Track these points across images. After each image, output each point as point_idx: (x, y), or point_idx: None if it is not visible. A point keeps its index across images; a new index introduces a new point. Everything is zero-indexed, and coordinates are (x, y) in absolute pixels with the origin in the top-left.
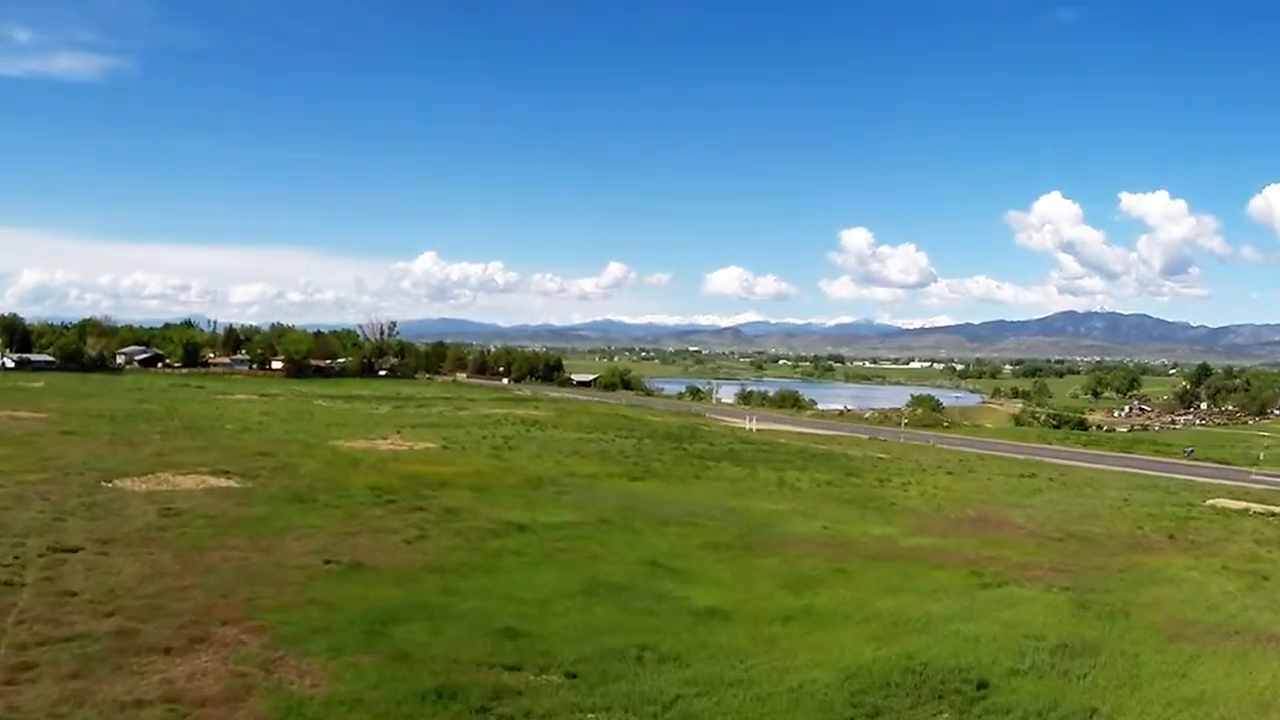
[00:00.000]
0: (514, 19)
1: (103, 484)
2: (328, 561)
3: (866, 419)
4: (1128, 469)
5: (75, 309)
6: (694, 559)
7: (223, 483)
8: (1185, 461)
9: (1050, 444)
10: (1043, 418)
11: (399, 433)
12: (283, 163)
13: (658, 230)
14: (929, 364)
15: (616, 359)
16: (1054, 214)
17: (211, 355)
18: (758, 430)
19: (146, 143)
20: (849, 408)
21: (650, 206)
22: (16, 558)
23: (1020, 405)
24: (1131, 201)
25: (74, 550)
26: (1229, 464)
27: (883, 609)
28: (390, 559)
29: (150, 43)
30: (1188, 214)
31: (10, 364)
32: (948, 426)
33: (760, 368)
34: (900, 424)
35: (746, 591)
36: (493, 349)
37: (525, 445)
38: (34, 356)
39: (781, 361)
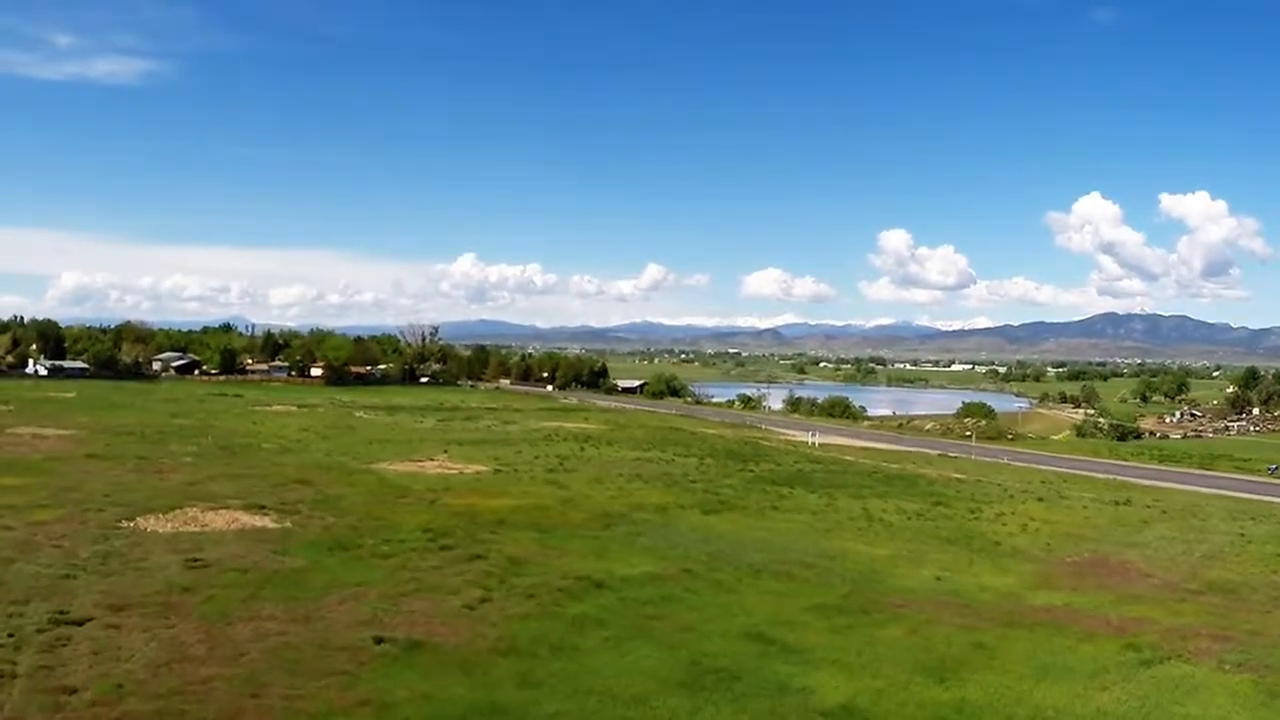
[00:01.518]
0: (551, 21)
1: (123, 524)
2: (379, 640)
3: (928, 430)
4: (1220, 490)
5: (115, 311)
6: (805, 628)
7: (257, 521)
8: (1272, 481)
9: (1125, 460)
10: (1105, 428)
11: (446, 452)
12: (321, 165)
13: (696, 232)
14: (970, 366)
15: (656, 361)
16: (1094, 215)
17: (249, 361)
18: (820, 445)
19: (186, 146)
20: (904, 416)
21: (688, 208)
22: (12, 635)
23: (1080, 414)
24: (1171, 202)
25: (81, 622)
26: None
27: (1045, 703)
28: (453, 634)
29: (189, 46)
30: (1228, 215)
31: (44, 371)
32: (1013, 439)
33: (801, 371)
34: (964, 436)
35: (879, 678)
36: (531, 351)
37: (582, 467)
38: (67, 364)
39: (822, 364)
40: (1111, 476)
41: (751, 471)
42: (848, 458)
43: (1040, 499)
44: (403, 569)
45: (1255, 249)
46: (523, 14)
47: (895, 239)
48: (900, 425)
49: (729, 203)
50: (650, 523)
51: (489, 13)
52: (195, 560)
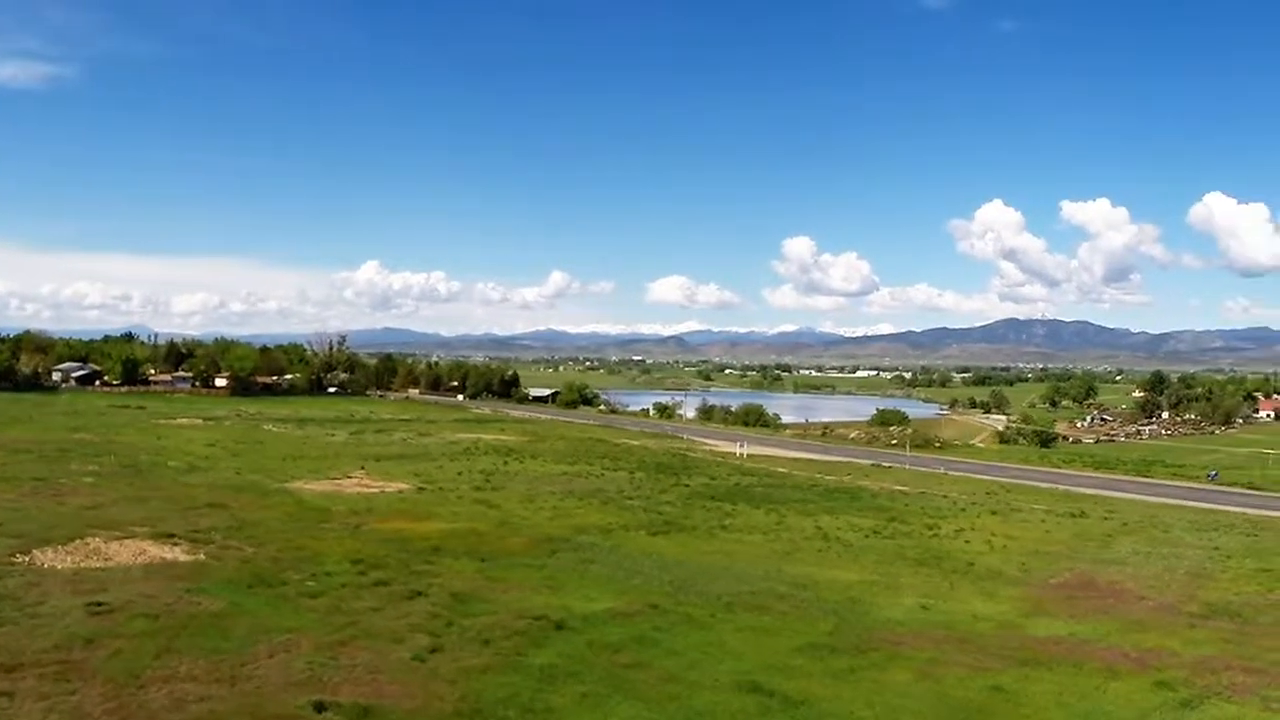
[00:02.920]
0: (458, 29)
1: (17, 559)
2: (320, 707)
3: (853, 439)
4: (1168, 500)
5: (15, 320)
6: (802, 674)
7: (166, 553)
8: (1214, 488)
9: (1058, 467)
10: (1028, 434)
11: (363, 468)
12: (225, 171)
13: (600, 239)
14: (875, 372)
15: (561, 369)
16: (996, 222)
17: (152, 372)
18: (748, 456)
19: (88, 151)
20: (823, 424)
21: (592, 215)
22: None
23: (991, 419)
24: (1072, 209)
25: None
26: (1259, 489)
27: None
28: (406, 694)
29: (93, 50)
30: (1129, 222)
31: None
32: (940, 447)
33: (708, 378)
34: (889, 444)
35: None
36: (437, 360)
37: (510, 484)
38: None
39: (728, 371)
40: (1054, 486)
41: (686, 486)
42: (780, 469)
43: (993, 512)
44: (336, 611)
45: (1155, 255)
46: (427, 19)
47: (798, 246)
48: (824, 433)
49: (633, 210)
50: (597, 547)
51: (394, 17)
52: (99, 604)
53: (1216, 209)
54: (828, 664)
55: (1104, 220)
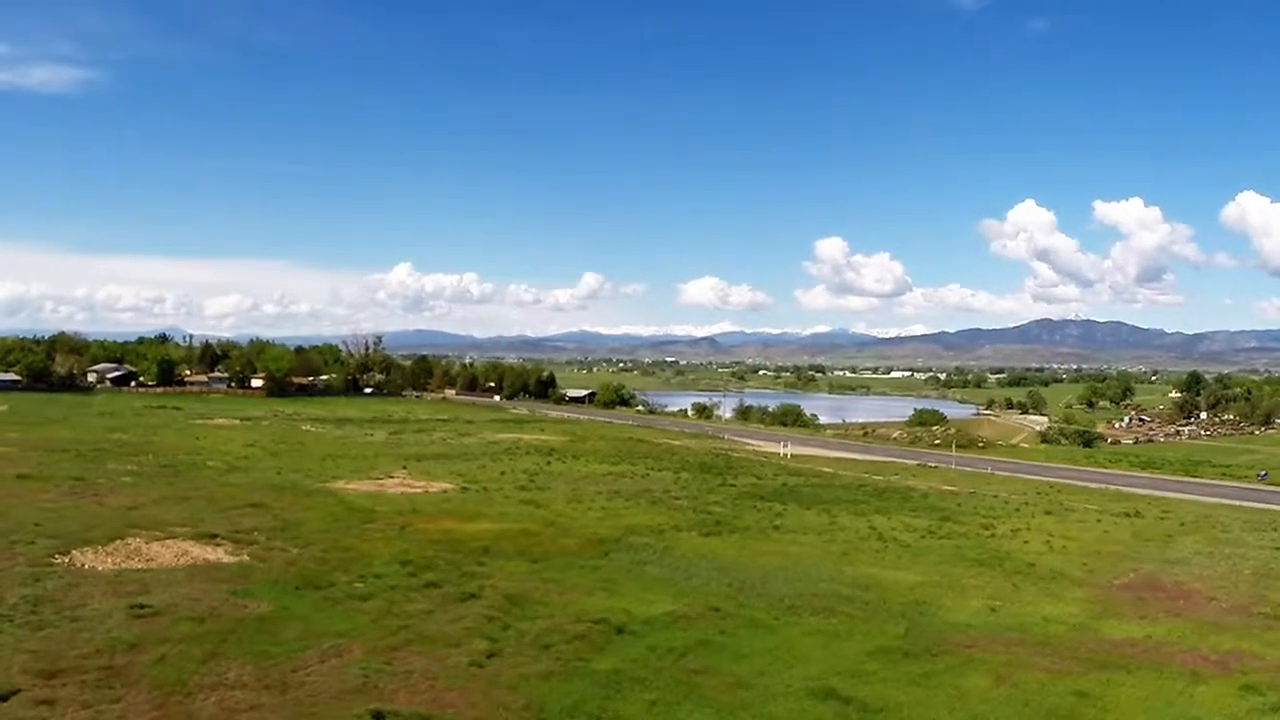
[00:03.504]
0: (488, 31)
1: (56, 559)
2: (379, 716)
3: (895, 439)
4: (1221, 499)
5: (50, 322)
6: (877, 679)
7: (209, 554)
8: (1266, 488)
9: (1105, 467)
10: (1070, 434)
11: (405, 468)
12: (258, 174)
13: (633, 241)
14: (909, 373)
15: (594, 370)
16: (1028, 222)
17: (188, 373)
18: (792, 456)
19: (122, 155)
20: (863, 424)
21: (625, 217)
22: None
23: (1030, 419)
24: (1105, 209)
25: (5, 697)
26: None
27: None
28: (467, 703)
29: (125, 55)
30: (1161, 221)
31: None
32: (984, 447)
33: (742, 379)
34: (933, 444)
35: None
36: (469, 361)
37: (554, 484)
38: None
39: (762, 372)
40: (1103, 486)
41: (733, 486)
42: (826, 469)
43: (1047, 512)
44: (388, 614)
45: (1188, 255)
46: (460, 25)
47: (831, 247)
48: (865, 434)
49: (665, 212)
50: (650, 548)
51: (423, 20)
52: (142, 607)
53: (1250, 208)
54: (902, 669)
55: (1137, 220)
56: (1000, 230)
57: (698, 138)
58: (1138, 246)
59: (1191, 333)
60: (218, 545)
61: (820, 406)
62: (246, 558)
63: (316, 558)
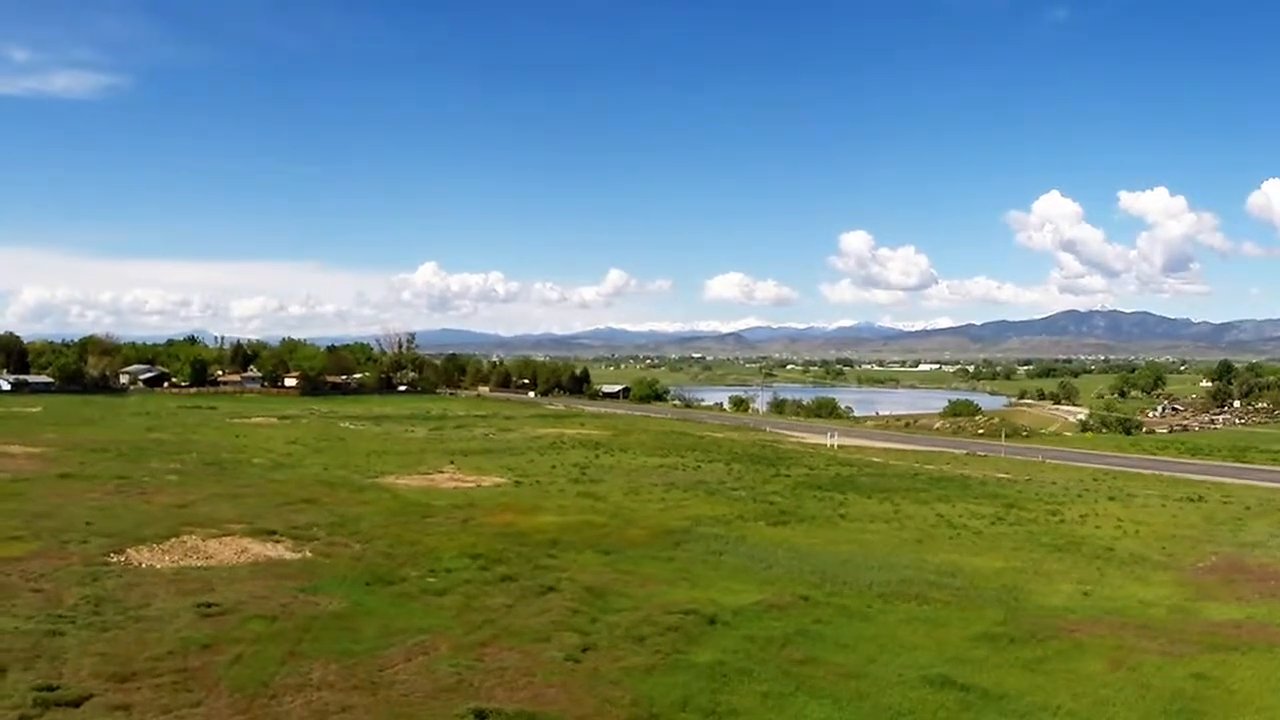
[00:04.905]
0: (510, 30)
1: (112, 558)
2: (481, 715)
3: (938, 429)
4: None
5: (77, 326)
6: (990, 666)
7: (270, 550)
8: None
9: (1154, 454)
10: (1112, 422)
11: (453, 463)
12: (281, 176)
13: (657, 237)
14: (938, 366)
15: (622, 366)
16: (1053, 213)
17: (220, 373)
18: (839, 447)
19: (145, 159)
20: (903, 416)
21: (649, 213)
22: None
23: (1063, 410)
24: (1130, 199)
25: (77, 702)
26: None
27: None
28: (571, 700)
29: (147, 60)
30: (1187, 210)
31: (6, 386)
32: (1028, 436)
33: (770, 374)
34: (975, 434)
35: None
36: (496, 359)
37: (607, 477)
38: (32, 378)
39: (789, 366)
40: (1156, 472)
41: (787, 477)
42: (875, 459)
43: (1111, 498)
44: (467, 609)
45: (1215, 244)
46: (480, 21)
47: (856, 240)
48: (907, 425)
49: (690, 208)
50: (721, 538)
51: (446, 21)
52: (209, 605)
53: (1275, 196)
54: (1013, 654)
55: (1162, 209)
56: (1025, 222)
57: (720, 132)
58: (1163, 236)
59: (1219, 322)
60: (277, 542)
61: (850, 400)
62: (309, 554)
63: (382, 553)
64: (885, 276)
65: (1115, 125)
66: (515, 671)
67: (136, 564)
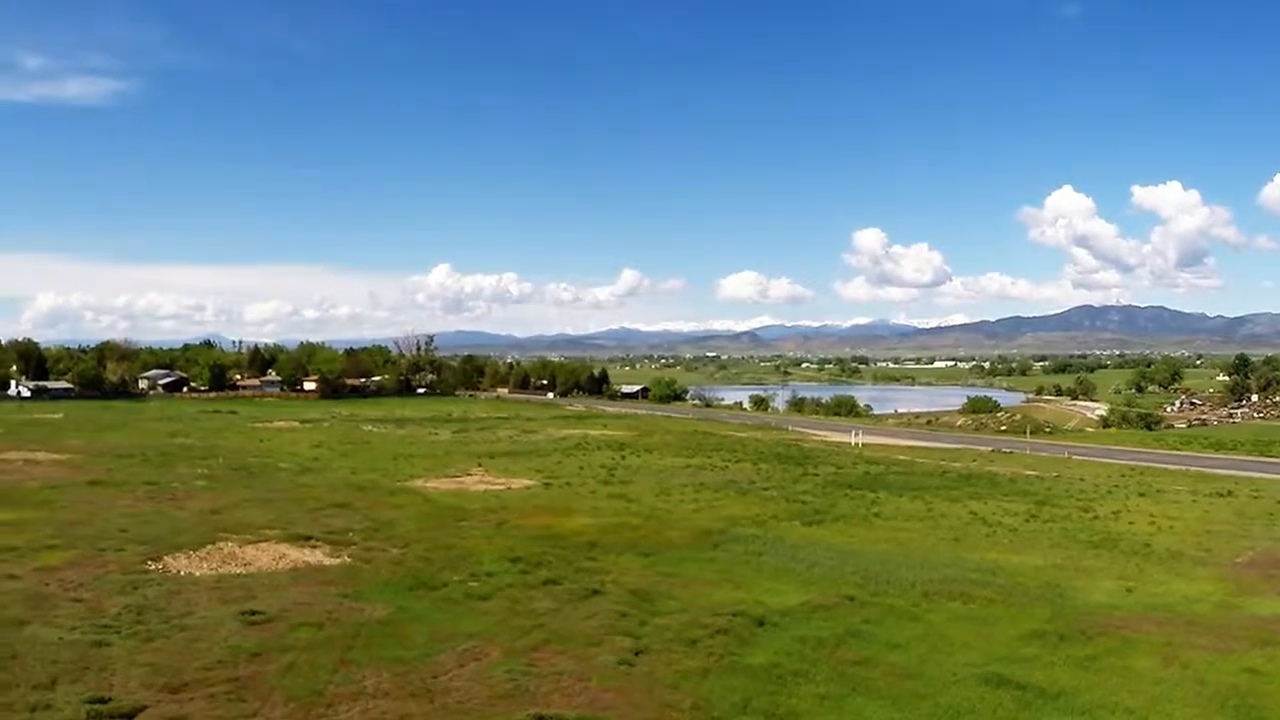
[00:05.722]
0: (521, 32)
1: (150, 566)
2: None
3: (960, 426)
4: None
5: (91, 331)
6: (1043, 664)
7: (308, 556)
8: None
9: (1179, 449)
10: (1133, 418)
11: (480, 465)
12: (293, 180)
13: (670, 236)
14: (953, 363)
15: (637, 366)
16: (1066, 209)
17: (239, 377)
18: (864, 445)
19: (157, 164)
20: (921, 413)
21: (662, 212)
22: None
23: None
24: (1144, 194)
25: (131, 714)
26: None
27: None
28: (631, 704)
29: (158, 65)
30: (1200, 205)
31: (26, 393)
32: (1050, 432)
33: (786, 373)
34: (998, 430)
35: None
36: (511, 360)
37: (636, 478)
38: (51, 384)
39: (805, 365)
40: (1183, 468)
41: (815, 476)
42: (901, 457)
43: (1141, 494)
44: (514, 613)
45: (1228, 237)
46: (490, 21)
47: (869, 238)
48: (929, 422)
49: (703, 206)
50: (759, 539)
51: (456, 23)
52: (254, 613)
53: None
54: (1063, 652)
55: (1175, 204)
56: (1039, 217)
57: (732, 131)
58: (1177, 230)
59: (1233, 316)
60: (314, 547)
61: (868, 397)
62: (348, 559)
63: (421, 557)
64: (899, 274)
65: (1127, 120)
66: (570, 676)
67: (175, 571)
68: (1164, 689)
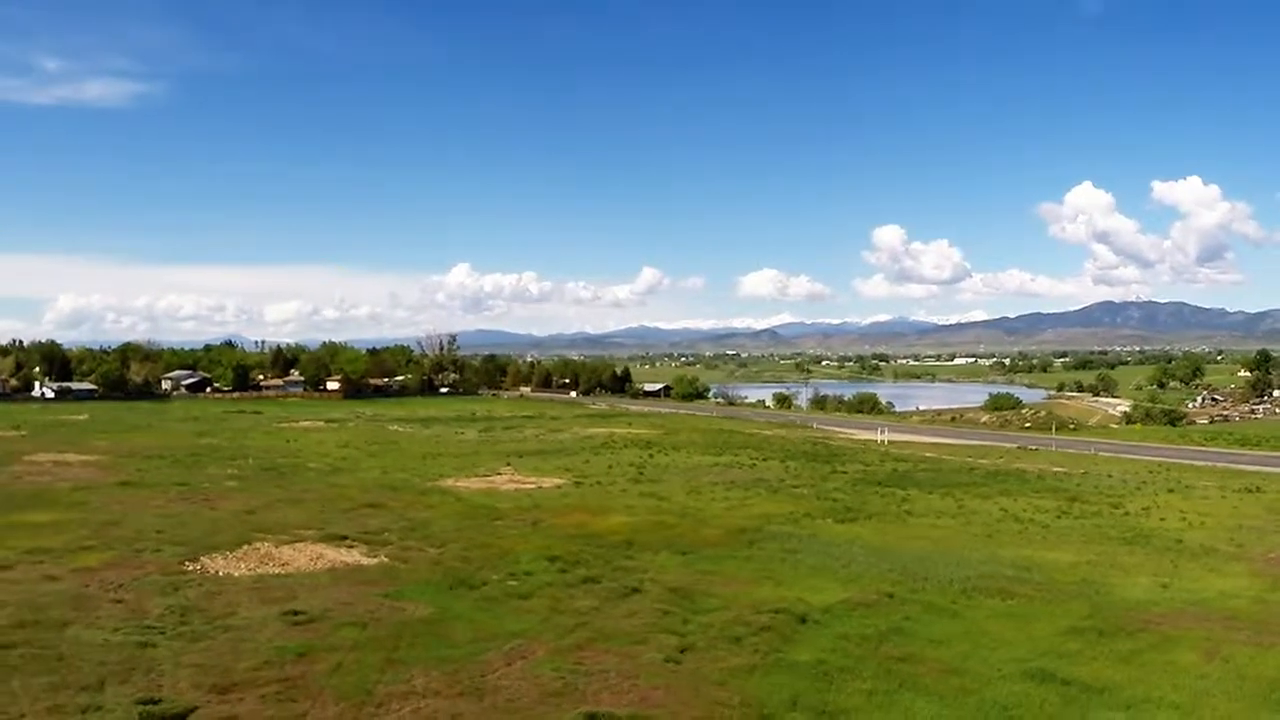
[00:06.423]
0: (538, 28)
1: (188, 566)
2: (591, 718)
3: (985, 423)
4: None
5: (112, 332)
6: (1085, 659)
7: (345, 556)
8: None
9: (1204, 445)
10: (1156, 414)
11: (509, 465)
12: (314, 180)
13: (689, 235)
14: (973, 359)
15: (657, 365)
16: (1086, 204)
17: (262, 377)
18: (890, 443)
19: (178, 166)
20: (947, 410)
21: (682, 211)
22: None
23: (1102, 401)
24: (1164, 189)
25: (183, 715)
26: None
27: None
28: (681, 702)
29: (178, 67)
30: (1221, 200)
31: (50, 394)
32: (1075, 429)
33: (806, 370)
34: (1022, 427)
35: None
36: (530, 359)
37: (665, 476)
38: (75, 385)
39: (825, 362)
40: (1210, 464)
41: (844, 473)
42: (928, 454)
43: (1170, 490)
44: (556, 611)
45: (1249, 232)
46: (510, 21)
47: (889, 235)
48: (954, 419)
49: (722, 205)
50: (794, 536)
51: (476, 22)
52: (296, 613)
53: None
54: (1106, 648)
55: (1196, 199)
56: (1058, 213)
57: (752, 128)
58: (1197, 225)
59: (1254, 311)
60: (350, 547)
61: (889, 394)
62: (385, 559)
63: (459, 556)
64: (918, 270)
65: (1147, 115)
66: (618, 675)
67: (214, 572)
68: (1207, 684)
